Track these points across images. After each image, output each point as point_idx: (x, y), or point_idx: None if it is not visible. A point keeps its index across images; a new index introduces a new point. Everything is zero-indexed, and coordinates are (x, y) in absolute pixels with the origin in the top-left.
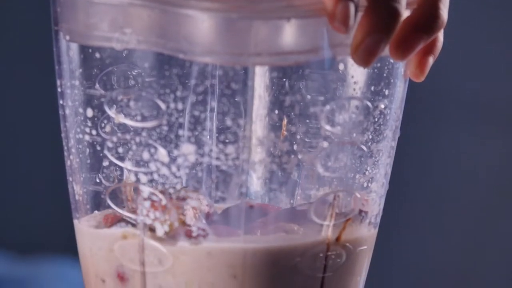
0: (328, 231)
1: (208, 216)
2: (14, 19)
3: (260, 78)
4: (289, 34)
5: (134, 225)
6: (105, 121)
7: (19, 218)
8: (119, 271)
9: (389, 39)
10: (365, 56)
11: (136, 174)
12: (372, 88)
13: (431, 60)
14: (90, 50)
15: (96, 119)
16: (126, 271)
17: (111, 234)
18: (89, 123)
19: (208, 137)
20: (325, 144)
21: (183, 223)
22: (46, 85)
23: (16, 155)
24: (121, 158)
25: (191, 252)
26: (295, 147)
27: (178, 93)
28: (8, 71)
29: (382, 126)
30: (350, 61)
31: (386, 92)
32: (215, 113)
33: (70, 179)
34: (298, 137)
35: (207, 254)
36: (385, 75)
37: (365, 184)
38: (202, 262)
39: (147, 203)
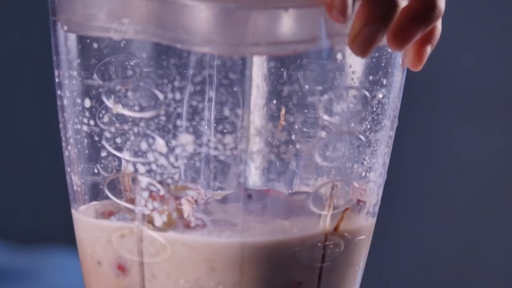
0: (326, 221)
1: (206, 206)
2: (11, 9)
3: (258, 68)
4: (287, 23)
5: (132, 219)
6: (103, 112)
7: (18, 209)
8: (118, 262)
9: (387, 29)
10: (363, 46)
11: (134, 164)
12: (370, 77)
13: (429, 50)
14: (88, 41)
15: (94, 109)
16: (125, 261)
17: (109, 226)
18: (87, 114)
19: (206, 127)
20: (323, 134)
21: (181, 213)
22: (44, 76)
23: (14, 146)
24: (119, 149)
25: (189, 243)
26: (293, 137)
27: (176, 83)
28: (6, 61)
29: (380, 115)
30: (348, 51)
31: (384, 81)
32: (213, 103)
33: (68, 169)
34: (296, 127)
35: (206, 245)
36: (383, 64)
37: (363, 174)
38: (200, 253)
39: (145, 193)
